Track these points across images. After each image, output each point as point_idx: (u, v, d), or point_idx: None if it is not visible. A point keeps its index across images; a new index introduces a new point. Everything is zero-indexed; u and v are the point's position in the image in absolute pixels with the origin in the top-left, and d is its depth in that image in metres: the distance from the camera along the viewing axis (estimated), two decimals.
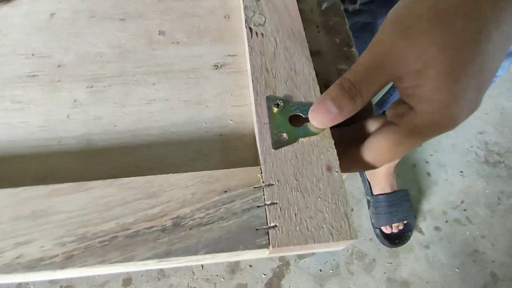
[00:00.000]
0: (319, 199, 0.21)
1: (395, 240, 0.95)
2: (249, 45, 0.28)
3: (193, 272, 0.93)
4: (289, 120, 0.24)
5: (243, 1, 0.32)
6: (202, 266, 0.93)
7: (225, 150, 0.26)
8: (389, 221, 0.93)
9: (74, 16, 0.35)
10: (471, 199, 1.04)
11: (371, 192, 0.99)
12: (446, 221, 1.01)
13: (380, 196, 0.96)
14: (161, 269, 0.92)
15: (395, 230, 0.95)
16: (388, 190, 0.96)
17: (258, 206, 0.21)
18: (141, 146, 0.26)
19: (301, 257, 0.95)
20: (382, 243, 0.96)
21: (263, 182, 0.21)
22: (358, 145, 0.23)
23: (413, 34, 0.19)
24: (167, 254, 0.19)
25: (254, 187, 0.21)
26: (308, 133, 0.23)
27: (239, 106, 0.29)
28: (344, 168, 0.22)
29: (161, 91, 0.29)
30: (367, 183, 1.01)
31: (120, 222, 0.20)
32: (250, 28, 0.30)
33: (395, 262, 0.94)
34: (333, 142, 0.23)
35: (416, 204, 1.03)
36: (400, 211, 0.94)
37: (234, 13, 0.35)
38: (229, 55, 0.32)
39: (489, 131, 1.16)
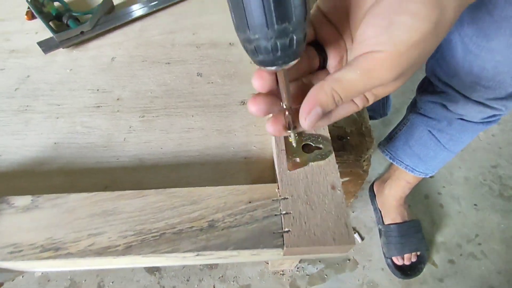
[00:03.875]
0: (325, 211, 0.26)
1: (407, 271, 0.94)
2: None
3: None
4: (302, 147, 0.30)
5: None
6: None
7: (248, 170, 0.32)
8: (401, 252, 0.94)
9: (130, 60, 0.44)
10: (486, 233, 1.03)
11: (383, 222, 1.01)
12: (461, 255, 1.00)
13: (391, 226, 0.97)
14: None
15: (407, 262, 0.95)
16: (399, 220, 0.97)
17: (275, 215, 0.26)
18: (182, 165, 0.33)
19: (311, 283, 0.96)
20: (394, 274, 0.96)
21: (279, 196, 0.27)
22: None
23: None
24: (205, 248, 0.25)
25: (273, 200, 0.27)
26: (317, 159, 0.29)
27: (261, 135, 0.35)
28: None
29: (198, 122, 0.36)
30: (379, 212, 1.03)
31: (169, 222, 0.26)
32: None
33: None
34: (337, 166, 0.29)
35: (429, 236, 1.03)
36: (411, 242, 0.94)
37: None
38: (253, 93, 0.39)
39: (503, 165, 1.17)
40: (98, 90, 0.40)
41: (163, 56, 0.44)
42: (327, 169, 0.28)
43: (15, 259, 0.24)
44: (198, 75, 0.41)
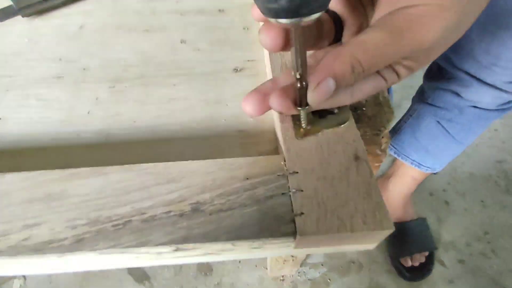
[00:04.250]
0: (349, 188, 0.19)
1: (415, 273, 0.88)
2: None
3: None
4: (313, 112, 0.24)
5: None
6: None
7: (244, 145, 0.26)
8: (408, 252, 0.88)
9: (101, 28, 0.37)
10: (495, 231, 0.98)
11: None
12: (471, 254, 0.94)
13: (396, 225, 0.91)
14: None
15: (415, 263, 0.88)
16: (404, 219, 0.91)
17: (282, 193, 0.19)
18: (161, 140, 0.26)
19: None
20: (402, 276, 0.89)
21: (287, 169, 0.20)
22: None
23: None
24: (185, 240, 0.18)
25: (278, 175, 0.20)
26: (332, 125, 0.23)
27: None
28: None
29: (181, 91, 0.30)
30: None
31: (136, 206, 0.19)
32: None
33: None
34: (359, 133, 0.22)
35: (436, 235, 0.97)
36: (419, 241, 0.88)
37: (253, 25, 0.37)
38: (248, 60, 0.33)
39: (508, 160, 1.12)
40: (60, 59, 0.33)
41: (141, 24, 0.37)
42: (347, 136, 0.22)
43: None
44: (181, 42, 0.35)
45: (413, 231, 0.89)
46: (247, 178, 0.20)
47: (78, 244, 0.18)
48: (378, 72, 0.20)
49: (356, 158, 0.21)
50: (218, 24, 0.37)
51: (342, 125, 0.22)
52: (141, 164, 0.21)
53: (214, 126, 0.27)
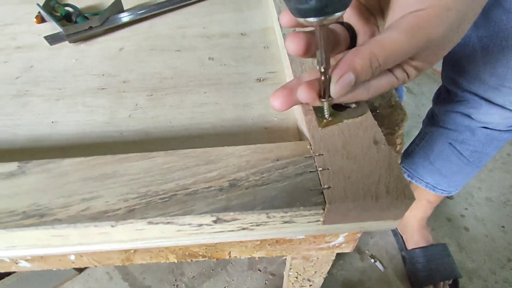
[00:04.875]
0: (372, 165, 0.21)
1: None
2: (289, 58, 0.33)
3: None
4: (333, 107, 0.26)
5: (281, 30, 0.37)
6: None
7: (270, 140, 0.28)
8: (431, 280, 0.84)
9: (138, 49, 0.42)
10: None
11: (405, 247, 0.92)
12: (496, 282, 0.89)
13: (416, 251, 0.88)
14: None
15: None
16: (423, 244, 0.88)
17: (310, 171, 0.21)
18: (194, 137, 0.29)
19: None
20: None
21: (313, 152, 0.23)
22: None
23: None
24: (226, 209, 0.20)
25: (305, 157, 0.22)
26: (351, 116, 0.25)
27: None
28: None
29: (212, 98, 0.33)
30: (400, 237, 0.94)
31: (180, 183, 0.21)
32: None
33: None
34: (376, 123, 0.25)
35: (458, 262, 0.93)
36: (442, 268, 0.84)
37: (272, 44, 0.41)
38: (270, 72, 0.36)
39: None
40: (103, 75, 0.38)
41: (173, 45, 0.42)
42: (365, 124, 0.24)
43: None
44: (209, 59, 0.39)
45: (435, 256, 0.86)
46: (278, 160, 0.22)
47: (130, 213, 0.20)
48: (390, 71, 0.23)
49: (375, 142, 0.23)
50: (241, 44, 0.41)
51: (360, 117, 0.25)
52: (182, 150, 0.23)
53: (242, 124, 0.30)
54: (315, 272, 0.65)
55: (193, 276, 0.93)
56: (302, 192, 0.20)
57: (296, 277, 0.67)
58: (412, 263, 0.88)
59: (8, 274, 0.75)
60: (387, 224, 0.22)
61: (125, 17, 0.47)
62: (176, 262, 0.90)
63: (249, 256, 0.33)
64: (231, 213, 0.20)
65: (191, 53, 0.40)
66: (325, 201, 0.20)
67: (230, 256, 0.32)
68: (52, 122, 0.31)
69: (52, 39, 0.43)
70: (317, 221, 0.21)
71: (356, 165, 0.21)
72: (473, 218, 1.04)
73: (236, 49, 0.41)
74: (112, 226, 0.20)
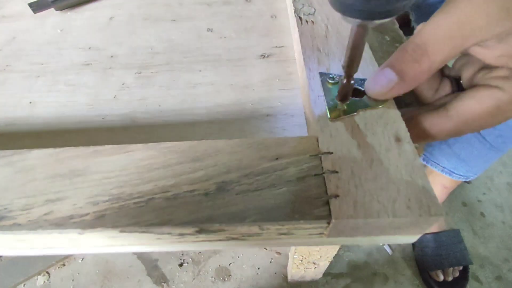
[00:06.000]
0: (390, 171, 0.17)
1: None
2: (299, 30, 0.28)
3: None
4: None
5: None
6: None
7: (272, 129, 0.24)
8: (439, 266, 0.81)
9: (130, 19, 0.37)
10: None
11: None
12: (509, 270, 0.86)
13: (426, 236, 0.85)
14: None
15: (448, 278, 0.82)
16: (435, 229, 0.85)
17: (315, 175, 0.18)
18: (185, 124, 0.25)
19: None
20: None
21: (320, 150, 0.19)
22: (434, 111, 0.20)
23: None
24: (210, 220, 0.16)
25: (310, 155, 0.19)
26: (369, 105, 0.21)
27: (287, 90, 0.27)
28: (418, 137, 0.19)
29: (207, 77, 0.29)
30: None
31: (159, 184, 0.18)
32: (300, 17, 0.29)
33: None
34: (399, 113, 0.20)
35: (470, 248, 0.90)
36: (451, 254, 0.82)
37: (281, 13, 0.36)
38: (276, 46, 0.32)
39: None
40: (90, 48, 0.34)
41: (169, 14, 0.37)
42: (386, 117, 0.20)
43: None
44: (208, 31, 0.34)
45: (445, 243, 0.83)
46: (277, 158, 0.19)
47: (99, 220, 0.17)
48: None
49: (397, 139, 0.19)
50: (245, 13, 0.36)
51: (380, 106, 0.21)
52: (165, 143, 0.20)
53: (240, 110, 0.26)
54: (321, 256, 0.63)
55: (200, 252, 0.94)
56: (304, 202, 0.17)
57: (301, 260, 0.65)
58: (421, 247, 0.86)
59: None
60: (404, 239, 0.18)
61: None
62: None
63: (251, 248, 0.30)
64: (217, 225, 0.16)
65: (188, 23, 0.35)
66: (330, 215, 0.16)
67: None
68: (30, 102, 0.28)
69: (36, 7, 0.39)
70: (320, 233, 0.17)
71: (372, 172, 0.17)
72: (491, 203, 0.99)
73: (238, 19, 0.35)
74: (79, 233, 0.17)
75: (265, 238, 0.18)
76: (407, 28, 0.62)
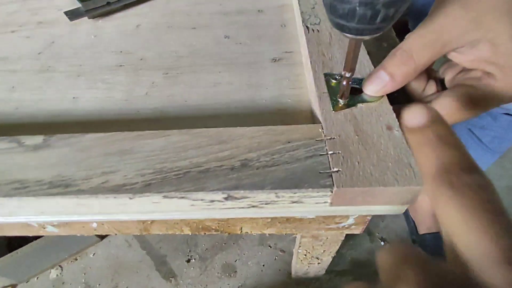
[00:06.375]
0: (381, 151, 0.21)
1: None
2: (306, 38, 0.32)
3: None
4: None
5: (299, 7, 0.36)
6: None
7: (283, 122, 0.28)
8: None
9: (155, 26, 0.42)
10: None
11: (417, 231, 0.92)
12: None
13: (427, 236, 0.88)
14: None
15: None
16: (435, 229, 0.88)
17: (320, 155, 0.22)
18: (208, 117, 0.29)
19: None
20: None
21: (325, 136, 0.23)
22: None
23: (469, 2, 0.21)
24: (236, 187, 0.20)
25: (316, 140, 0.23)
26: (366, 100, 0.25)
27: (296, 89, 0.31)
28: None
29: (226, 78, 0.33)
30: (411, 221, 0.94)
31: (193, 161, 0.22)
32: (307, 26, 0.34)
33: None
34: (391, 107, 0.24)
35: None
36: None
37: (289, 22, 0.40)
38: (286, 52, 0.36)
39: None
40: (121, 52, 0.38)
41: (189, 23, 0.42)
42: (379, 110, 0.24)
43: (20, 195, 0.21)
44: (225, 38, 0.39)
45: None
46: (289, 142, 0.23)
47: (146, 187, 0.21)
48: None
49: (389, 128, 0.23)
50: (258, 22, 0.41)
51: (375, 101, 0.25)
52: (196, 129, 0.24)
53: (255, 105, 0.30)
54: (324, 251, 0.66)
55: (206, 248, 0.97)
56: (311, 174, 0.21)
57: (305, 255, 0.69)
58: (422, 248, 0.88)
59: (35, 238, 0.81)
60: (395, 208, 0.22)
61: None
62: (190, 234, 0.95)
63: (260, 233, 0.34)
64: (241, 191, 0.20)
65: (207, 31, 0.40)
66: (333, 184, 0.20)
67: (241, 232, 0.34)
68: (74, 98, 0.33)
69: (72, 15, 0.44)
70: (325, 202, 0.21)
71: (366, 152, 0.21)
72: None
73: (252, 27, 0.40)
74: (130, 198, 0.21)
75: (280, 206, 0.22)
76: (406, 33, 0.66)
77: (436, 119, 0.16)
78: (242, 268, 0.93)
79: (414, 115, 0.16)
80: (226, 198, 0.21)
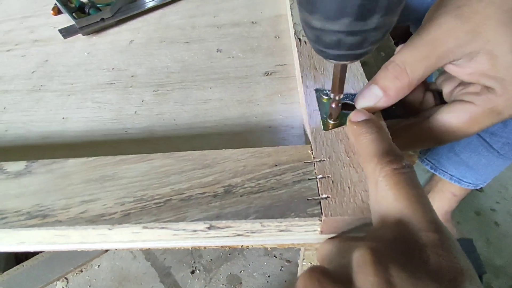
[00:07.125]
0: None
1: None
2: (298, 51, 0.31)
3: None
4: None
5: (292, 19, 0.35)
6: None
7: (273, 140, 0.27)
8: None
9: (148, 41, 0.41)
10: None
11: None
12: None
13: None
14: None
15: None
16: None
17: (309, 179, 0.20)
18: (197, 136, 0.28)
19: None
20: None
21: (314, 158, 0.21)
22: (418, 123, 0.22)
23: (465, 12, 0.20)
24: (218, 217, 0.19)
25: (305, 162, 0.21)
26: None
27: (288, 104, 0.30)
28: (404, 145, 0.22)
29: (217, 93, 0.32)
30: None
31: (175, 187, 0.21)
32: (299, 39, 0.32)
33: None
34: (385, 124, 0.23)
35: (485, 258, 0.88)
36: None
37: (284, 34, 0.39)
38: (279, 64, 0.35)
39: None
40: (113, 69, 0.38)
41: (182, 37, 0.41)
42: None
43: None
44: (217, 51, 0.38)
45: None
46: (276, 165, 0.21)
47: (125, 217, 0.20)
48: None
49: None
50: (251, 34, 0.40)
51: None
52: (180, 152, 0.23)
53: (246, 122, 0.29)
54: None
55: (211, 259, 0.96)
56: (299, 202, 0.19)
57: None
58: None
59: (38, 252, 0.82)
60: None
61: (136, 7, 0.47)
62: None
63: (262, 247, 0.33)
64: (223, 221, 0.19)
65: (200, 44, 0.39)
66: (321, 212, 0.19)
67: (243, 247, 0.32)
68: (63, 118, 0.32)
69: (66, 33, 0.44)
70: (315, 230, 0.20)
71: (358, 176, 0.20)
72: (505, 212, 0.98)
73: (245, 39, 0.39)
74: (109, 229, 0.20)
75: (267, 235, 0.21)
76: None
77: (371, 118, 0.21)
78: (247, 279, 0.91)
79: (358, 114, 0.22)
80: (209, 228, 0.20)
